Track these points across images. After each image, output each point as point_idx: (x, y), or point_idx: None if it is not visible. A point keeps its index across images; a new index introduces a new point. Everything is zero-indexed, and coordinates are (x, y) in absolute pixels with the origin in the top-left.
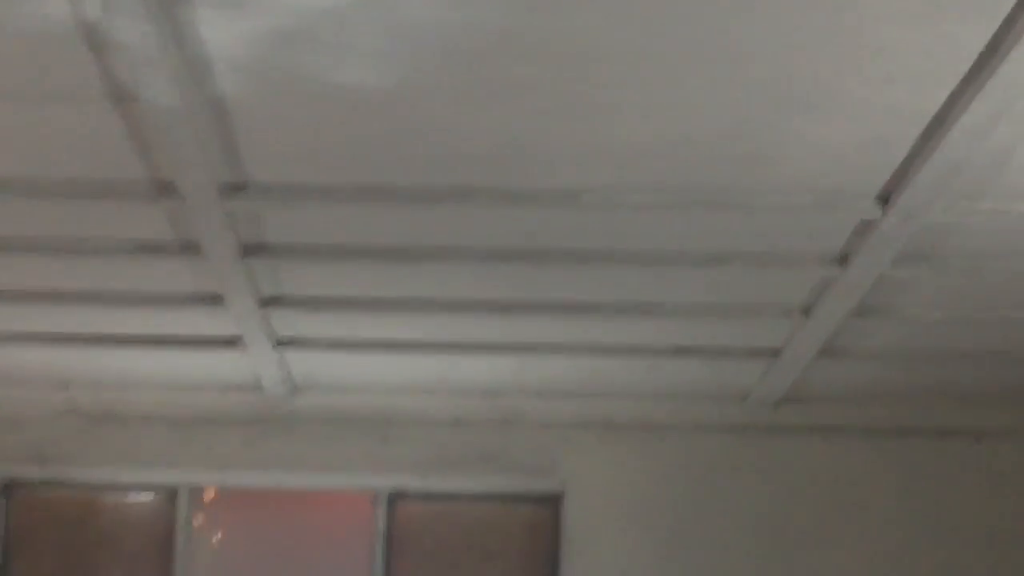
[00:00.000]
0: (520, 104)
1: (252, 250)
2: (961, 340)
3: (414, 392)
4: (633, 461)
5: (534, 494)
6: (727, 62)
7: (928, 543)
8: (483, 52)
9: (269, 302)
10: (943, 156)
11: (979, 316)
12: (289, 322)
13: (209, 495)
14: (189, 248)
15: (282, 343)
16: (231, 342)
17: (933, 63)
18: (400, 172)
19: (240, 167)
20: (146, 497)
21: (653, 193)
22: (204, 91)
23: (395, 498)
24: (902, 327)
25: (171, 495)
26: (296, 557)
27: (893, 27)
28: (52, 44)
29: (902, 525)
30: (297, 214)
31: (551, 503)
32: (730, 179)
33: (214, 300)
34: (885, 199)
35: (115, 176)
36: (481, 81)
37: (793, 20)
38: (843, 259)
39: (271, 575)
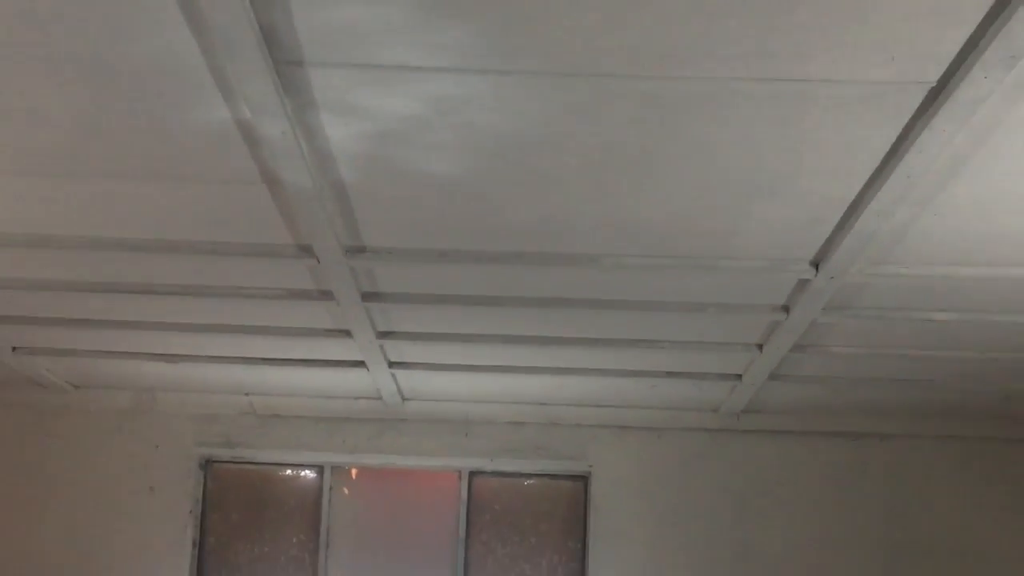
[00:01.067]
0: (556, 189)
1: (370, 297)
2: (872, 369)
3: (487, 401)
4: (640, 452)
5: (570, 474)
6: (703, 161)
7: (842, 516)
8: (528, 149)
9: (384, 335)
10: (858, 232)
11: (885, 351)
12: (399, 350)
13: (346, 472)
14: (325, 295)
15: (393, 365)
16: (358, 364)
17: (851, 160)
18: (470, 240)
19: (358, 234)
20: (302, 473)
21: (650, 258)
22: (329, 176)
23: (474, 476)
24: (829, 359)
25: (319, 471)
26: (404, 516)
27: (824, 132)
28: (219, 139)
29: (824, 502)
30: (401, 270)
31: (582, 480)
32: (703, 248)
33: (345, 334)
34: (817, 264)
35: (269, 240)
36: (526, 171)
37: (752, 127)
38: (786, 308)
39: (387, 528)
